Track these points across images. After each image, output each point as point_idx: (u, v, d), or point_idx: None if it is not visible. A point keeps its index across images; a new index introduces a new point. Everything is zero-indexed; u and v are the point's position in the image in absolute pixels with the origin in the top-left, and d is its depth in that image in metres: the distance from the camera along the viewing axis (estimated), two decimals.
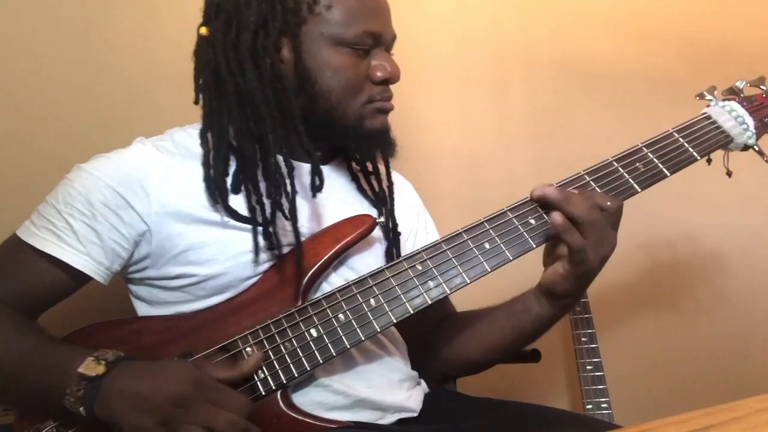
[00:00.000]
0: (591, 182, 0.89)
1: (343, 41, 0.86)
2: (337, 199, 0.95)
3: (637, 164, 0.91)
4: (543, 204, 0.87)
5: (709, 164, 1.00)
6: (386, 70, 0.90)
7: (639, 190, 0.90)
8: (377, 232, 0.94)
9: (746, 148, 1.00)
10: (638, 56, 1.65)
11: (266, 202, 0.85)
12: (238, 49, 0.85)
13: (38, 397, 0.77)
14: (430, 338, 1.03)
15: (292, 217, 0.83)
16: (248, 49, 0.84)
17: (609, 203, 0.84)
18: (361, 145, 0.93)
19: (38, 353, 0.77)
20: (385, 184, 1.00)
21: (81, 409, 0.72)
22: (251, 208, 0.85)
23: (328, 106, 0.88)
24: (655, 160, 0.92)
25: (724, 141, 0.98)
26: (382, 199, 0.99)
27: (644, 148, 0.93)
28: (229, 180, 0.86)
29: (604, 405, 1.33)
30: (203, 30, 0.88)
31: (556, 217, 0.83)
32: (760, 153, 1.01)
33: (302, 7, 0.86)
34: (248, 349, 0.80)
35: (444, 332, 1.03)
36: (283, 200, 0.84)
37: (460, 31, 1.57)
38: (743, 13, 1.68)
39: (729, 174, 1.02)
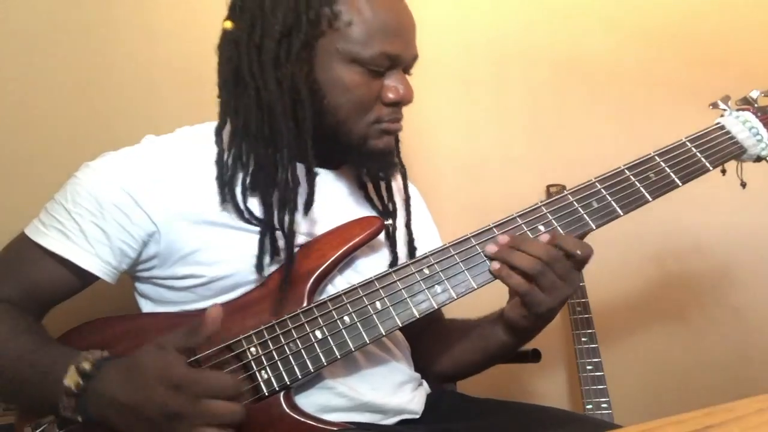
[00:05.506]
0: (602, 190, 0.89)
1: (359, 60, 0.84)
2: (344, 204, 0.95)
3: (649, 173, 0.91)
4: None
5: (723, 174, 1.00)
6: (399, 92, 0.87)
7: (650, 199, 0.90)
8: (384, 235, 0.94)
9: (759, 159, 1.00)
10: (638, 57, 1.65)
11: (276, 205, 0.84)
12: (260, 55, 0.83)
13: (36, 401, 0.77)
14: (414, 343, 1.03)
15: (290, 225, 0.83)
16: (272, 57, 0.83)
17: (579, 252, 0.84)
18: (363, 164, 0.91)
19: (32, 357, 0.77)
20: (401, 196, 0.99)
21: (79, 418, 0.72)
22: (263, 210, 0.85)
23: (335, 122, 0.86)
24: (667, 169, 0.92)
25: (737, 152, 0.97)
26: (390, 211, 0.97)
27: (656, 157, 0.92)
28: (247, 180, 0.86)
29: (604, 405, 1.34)
30: (228, 24, 0.87)
31: (493, 264, 0.85)
32: None
33: (322, 20, 0.83)
34: (252, 349, 0.79)
35: (426, 340, 1.04)
36: (297, 207, 0.84)
37: (460, 32, 1.57)
38: (743, 14, 1.69)
39: (743, 185, 1.02)
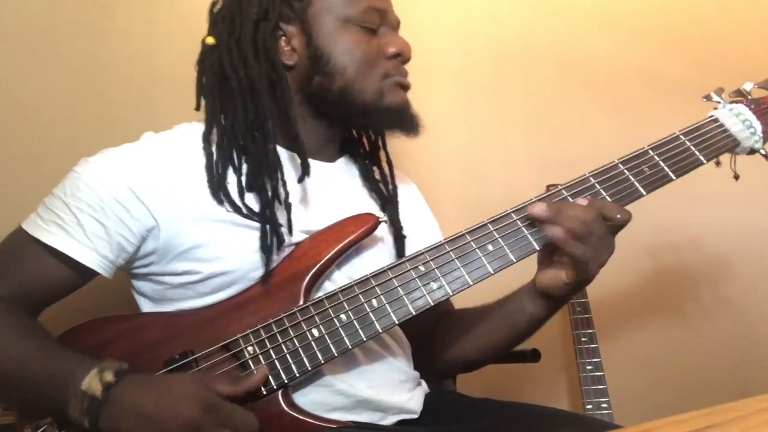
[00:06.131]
0: (596, 184, 0.88)
1: (351, 18, 0.89)
2: (345, 196, 0.95)
3: (643, 167, 0.90)
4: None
5: (717, 166, 0.99)
6: (397, 44, 0.92)
7: (644, 193, 0.89)
8: (381, 232, 0.93)
9: (752, 152, 0.99)
10: (638, 56, 1.65)
11: (270, 199, 0.85)
12: (240, 42, 0.87)
13: (41, 403, 0.77)
14: (428, 337, 1.03)
15: (286, 206, 0.85)
16: (250, 39, 0.87)
17: (619, 216, 0.82)
18: (382, 121, 0.94)
19: (41, 360, 0.77)
20: (389, 186, 1.00)
21: (86, 422, 0.72)
22: (261, 206, 0.85)
23: (344, 82, 0.89)
24: (661, 163, 0.91)
25: (731, 144, 0.96)
26: (389, 200, 0.98)
27: (650, 151, 0.91)
28: (242, 179, 0.86)
29: (604, 405, 1.33)
30: (209, 39, 0.90)
31: (556, 231, 0.81)
32: (767, 157, 1.00)
33: None
34: (249, 348, 0.80)
35: (441, 331, 1.03)
36: (280, 189, 0.85)
37: (460, 31, 1.58)
38: (743, 13, 1.68)
39: (736, 177, 1.01)
